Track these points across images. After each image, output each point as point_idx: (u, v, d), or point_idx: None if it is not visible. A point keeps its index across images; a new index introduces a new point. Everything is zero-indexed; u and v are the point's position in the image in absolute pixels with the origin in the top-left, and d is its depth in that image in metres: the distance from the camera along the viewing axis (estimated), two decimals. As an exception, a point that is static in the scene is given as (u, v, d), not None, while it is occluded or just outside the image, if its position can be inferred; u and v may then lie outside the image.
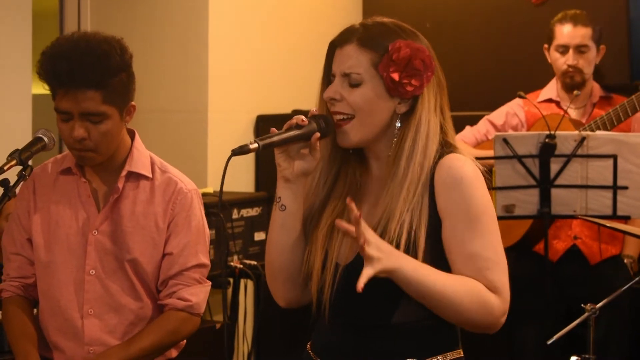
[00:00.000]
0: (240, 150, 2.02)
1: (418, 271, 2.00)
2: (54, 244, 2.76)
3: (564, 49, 4.01)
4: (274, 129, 2.10)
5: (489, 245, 2.07)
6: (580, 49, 3.99)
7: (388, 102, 2.11)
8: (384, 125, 2.12)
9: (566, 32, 4.00)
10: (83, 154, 2.68)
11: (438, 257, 2.07)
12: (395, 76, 2.08)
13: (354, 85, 2.10)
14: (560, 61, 4.02)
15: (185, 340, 2.87)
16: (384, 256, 1.97)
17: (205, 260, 2.82)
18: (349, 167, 2.20)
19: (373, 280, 2.02)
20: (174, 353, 2.85)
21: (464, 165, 2.08)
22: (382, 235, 2.04)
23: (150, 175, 2.79)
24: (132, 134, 2.83)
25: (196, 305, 2.78)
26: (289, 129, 2.09)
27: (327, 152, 2.18)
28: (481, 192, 2.08)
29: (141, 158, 2.80)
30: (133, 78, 2.73)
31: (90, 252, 2.73)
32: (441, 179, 2.08)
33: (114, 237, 2.74)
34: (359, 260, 2.06)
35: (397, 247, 2.04)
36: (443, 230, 2.08)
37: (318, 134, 2.10)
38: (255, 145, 2.03)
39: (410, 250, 2.04)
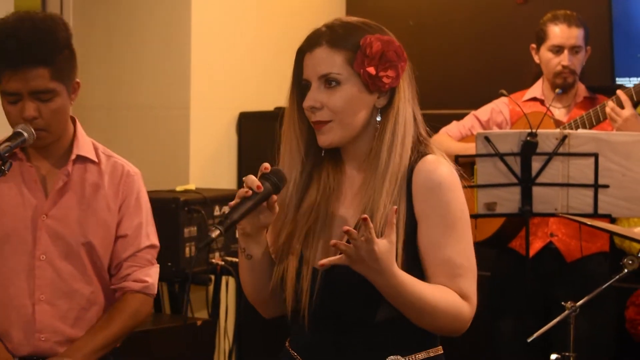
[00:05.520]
0: (206, 244, 1.99)
1: (405, 281, 2.00)
2: (1, 231, 2.72)
3: (558, 49, 3.96)
4: (231, 203, 2.02)
5: (463, 252, 2.08)
6: (574, 50, 3.96)
7: (368, 98, 2.11)
8: (365, 122, 2.12)
9: (561, 32, 3.95)
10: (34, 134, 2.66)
11: (411, 259, 2.07)
12: (372, 70, 2.08)
13: (333, 85, 2.09)
14: (554, 62, 3.98)
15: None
16: (377, 261, 1.95)
17: (155, 241, 2.84)
18: (321, 171, 2.18)
19: (356, 280, 2.02)
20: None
21: (441, 168, 2.09)
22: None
23: (96, 160, 2.79)
24: (73, 120, 2.82)
25: (151, 286, 2.80)
26: (245, 200, 2.02)
27: (298, 158, 2.16)
28: (458, 198, 2.09)
29: (86, 143, 2.80)
30: (75, 55, 2.72)
31: (40, 237, 2.71)
32: (419, 183, 2.09)
33: (65, 221, 2.73)
34: (337, 265, 2.07)
35: None
36: (419, 233, 2.09)
37: (275, 197, 2.06)
38: (217, 231, 1.96)
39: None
